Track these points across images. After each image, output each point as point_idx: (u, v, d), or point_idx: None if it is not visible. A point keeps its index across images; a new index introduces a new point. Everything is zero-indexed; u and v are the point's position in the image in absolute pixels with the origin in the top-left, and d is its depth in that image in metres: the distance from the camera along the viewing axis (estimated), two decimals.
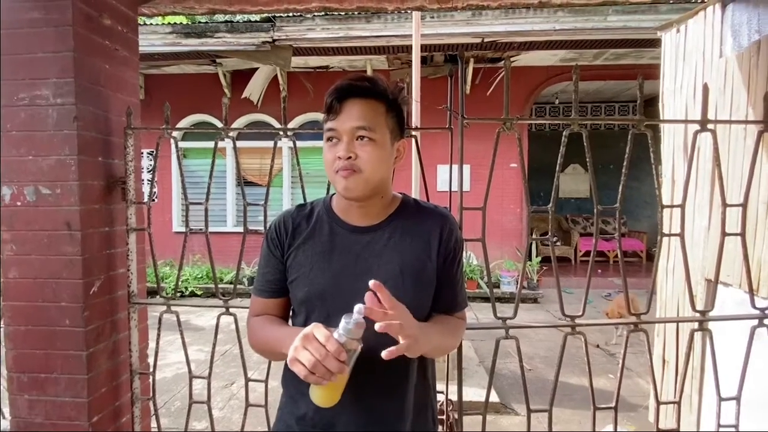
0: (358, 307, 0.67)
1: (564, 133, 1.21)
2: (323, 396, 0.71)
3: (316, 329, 0.68)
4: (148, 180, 1.34)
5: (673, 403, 1.28)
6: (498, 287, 5.73)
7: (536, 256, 6.10)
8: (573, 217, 8.17)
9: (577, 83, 1.21)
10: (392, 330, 0.67)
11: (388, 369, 0.82)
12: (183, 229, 1.50)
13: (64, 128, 1.28)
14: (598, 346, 3.65)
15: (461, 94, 1.27)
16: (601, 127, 8.15)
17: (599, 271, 6.77)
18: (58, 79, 1.27)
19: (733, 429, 1.29)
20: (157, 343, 1.50)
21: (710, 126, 1.23)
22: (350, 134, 0.80)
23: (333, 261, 0.84)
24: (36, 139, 1.30)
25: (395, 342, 0.78)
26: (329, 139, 0.83)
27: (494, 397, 2.93)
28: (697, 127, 1.25)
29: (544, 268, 6.01)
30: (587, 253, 7.36)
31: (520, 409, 2.96)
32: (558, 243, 7.32)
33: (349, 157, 0.79)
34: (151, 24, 5.22)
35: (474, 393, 2.91)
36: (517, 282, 5.71)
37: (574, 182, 8.20)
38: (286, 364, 0.81)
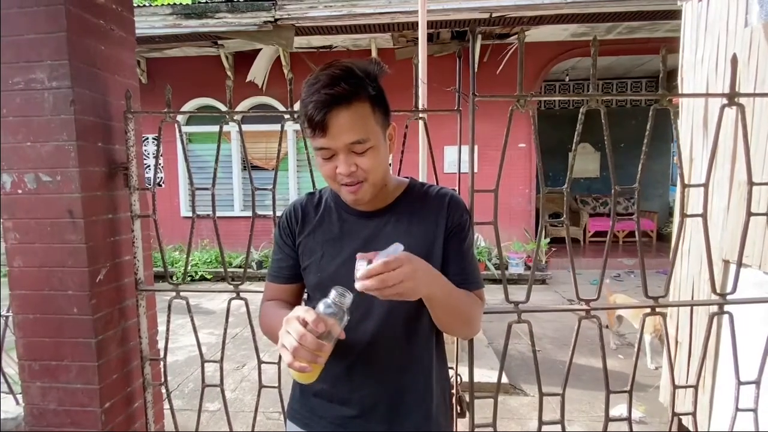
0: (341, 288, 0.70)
1: (581, 109, 1.14)
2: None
3: (297, 311, 0.69)
4: (152, 165, 1.30)
5: (691, 387, 1.25)
6: (506, 269, 5.71)
7: (545, 238, 6.05)
8: (582, 197, 8.07)
9: (596, 56, 1.14)
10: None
11: (409, 344, 0.85)
12: (190, 214, 1.48)
13: (61, 113, 1.24)
14: (607, 326, 3.63)
15: (472, 70, 1.20)
16: (613, 104, 7.94)
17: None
18: (52, 61, 1.22)
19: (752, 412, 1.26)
20: (167, 329, 1.50)
21: (739, 100, 1.15)
22: (346, 149, 0.76)
23: (343, 247, 0.86)
24: (33, 125, 1.26)
25: (408, 320, 0.84)
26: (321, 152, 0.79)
27: (503, 378, 2.94)
28: (723, 101, 1.18)
29: (553, 249, 5.96)
30: (596, 234, 7.29)
31: (529, 390, 2.96)
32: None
33: (352, 171, 0.77)
34: (151, 5, 5.10)
35: (483, 375, 2.92)
36: (525, 263, 5.74)
37: (583, 162, 8.06)
38: None
